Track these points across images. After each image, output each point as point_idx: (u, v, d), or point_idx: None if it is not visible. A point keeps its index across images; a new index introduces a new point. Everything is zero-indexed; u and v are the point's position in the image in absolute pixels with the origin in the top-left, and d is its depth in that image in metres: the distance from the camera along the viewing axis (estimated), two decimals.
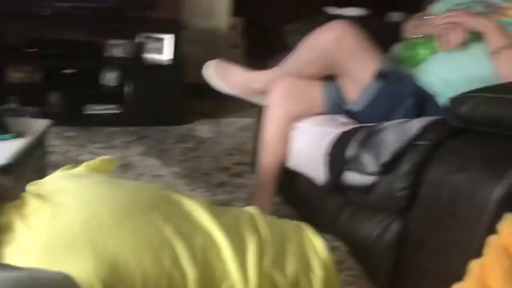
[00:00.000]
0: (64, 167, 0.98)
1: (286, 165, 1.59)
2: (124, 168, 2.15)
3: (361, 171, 1.29)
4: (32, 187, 0.86)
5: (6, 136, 1.21)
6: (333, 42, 1.46)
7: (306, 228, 0.95)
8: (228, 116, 2.89)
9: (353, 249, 1.29)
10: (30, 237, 0.73)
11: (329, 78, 1.58)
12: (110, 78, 2.69)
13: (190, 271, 0.75)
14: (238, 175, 2.18)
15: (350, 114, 1.55)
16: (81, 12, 2.74)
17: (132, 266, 0.71)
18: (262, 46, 2.98)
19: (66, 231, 0.73)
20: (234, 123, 2.80)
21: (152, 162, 2.24)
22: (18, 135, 1.23)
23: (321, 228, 1.45)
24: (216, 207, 0.92)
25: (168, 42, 2.73)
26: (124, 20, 2.79)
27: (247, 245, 0.81)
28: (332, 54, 1.48)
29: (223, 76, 1.66)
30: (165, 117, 2.68)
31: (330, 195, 1.44)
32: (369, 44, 1.49)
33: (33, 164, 1.32)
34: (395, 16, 2.80)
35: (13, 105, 2.51)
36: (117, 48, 2.69)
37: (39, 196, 0.81)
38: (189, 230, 0.80)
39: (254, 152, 1.77)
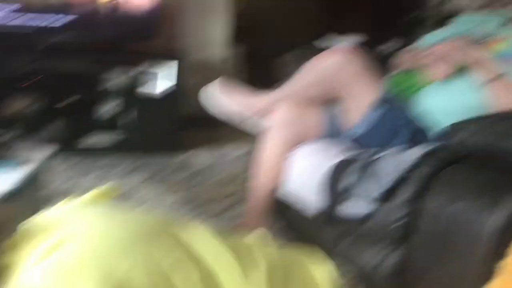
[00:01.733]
0: (70, 196, 0.99)
1: (279, 191, 1.59)
2: (124, 197, 2.16)
3: (358, 201, 1.30)
4: (38, 217, 0.86)
5: (11, 163, 1.23)
6: (335, 66, 1.48)
7: (313, 255, 0.93)
8: (226, 145, 2.91)
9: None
10: (36, 271, 0.74)
11: (329, 103, 1.59)
12: (108, 108, 2.72)
13: None
14: (237, 203, 2.19)
15: (353, 138, 1.56)
16: (78, 45, 2.77)
17: None
18: (261, 76, 3.02)
19: (74, 258, 0.74)
20: (231, 152, 2.82)
21: (151, 191, 2.25)
22: (22, 162, 1.25)
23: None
24: (220, 233, 0.91)
25: (165, 73, 2.77)
26: (121, 52, 2.83)
27: (255, 271, 0.81)
28: (333, 78, 1.50)
29: (223, 97, 1.68)
30: (163, 146, 2.70)
31: (326, 225, 1.44)
32: (370, 70, 1.51)
33: (36, 191, 1.33)
34: (387, 47, 2.85)
35: (15, 134, 2.53)
36: (114, 80, 2.73)
37: (44, 227, 0.81)
38: (188, 263, 0.79)
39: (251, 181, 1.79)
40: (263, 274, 0.80)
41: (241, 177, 2.47)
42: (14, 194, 1.17)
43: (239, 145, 2.90)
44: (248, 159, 2.66)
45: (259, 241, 0.91)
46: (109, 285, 0.70)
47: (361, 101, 1.49)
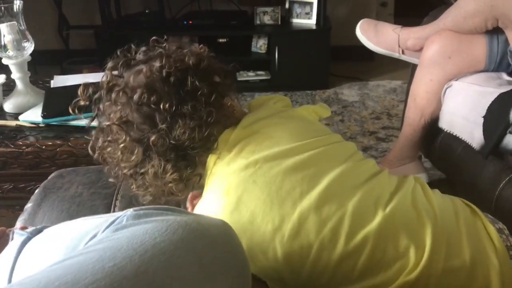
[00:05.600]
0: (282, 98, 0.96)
1: (436, 125, 1.53)
2: None
3: None
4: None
5: None
6: None
7: (477, 211, 0.85)
8: (375, 79, 2.83)
9: None
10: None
11: (495, 30, 1.44)
12: (259, 45, 2.81)
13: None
14: (384, 139, 2.15)
15: None
16: None
17: (312, 235, 0.72)
18: (413, 3, 2.82)
19: (263, 186, 0.76)
20: (382, 86, 2.74)
21: None
22: None
23: (477, 195, 1.39)
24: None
25: (315, 5, 2.74)
26: None
27: (423, 223, 0.75)
28: (499, 5, 1.34)
29: (373, 34, 1.62)
30: (312, 81, 2.73)
31: (487, 161, 1.35)
32: None
33: None
34: None
35: None
36: (266, 15, 2.79)
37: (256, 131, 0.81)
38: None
39: (402, 116, 1.73)
40: (430, 231, 0.75)
41: (392, 112, 2.41)
42: None
43: (391, 78, 2.80)
44: (399, 94, 2.56)
45: (424, 186, 0.84)
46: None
47: None
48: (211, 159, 0.79)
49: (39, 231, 0.68)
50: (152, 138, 0.75)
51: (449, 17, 1.48)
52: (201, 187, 0.81)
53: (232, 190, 0.75)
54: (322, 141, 0.82)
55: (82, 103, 0.81)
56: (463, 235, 0.77)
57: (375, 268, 0.72)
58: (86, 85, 0.81)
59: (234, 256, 0.56)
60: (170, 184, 0.78)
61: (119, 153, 0.78)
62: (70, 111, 0.81)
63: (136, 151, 0.77)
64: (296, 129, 0.84)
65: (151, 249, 0.50)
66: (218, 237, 0.56)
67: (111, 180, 0.83)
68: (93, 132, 0.82)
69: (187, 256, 0.51)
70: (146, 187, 0.80)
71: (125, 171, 0.79)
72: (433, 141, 1.57)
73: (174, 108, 0.75)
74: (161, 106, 0.75)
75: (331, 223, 0.73)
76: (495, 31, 1.43)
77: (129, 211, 0.57)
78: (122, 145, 0.77)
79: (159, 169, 0.77)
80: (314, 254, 0.72)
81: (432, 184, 1.59)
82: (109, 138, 0.79)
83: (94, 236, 0.57)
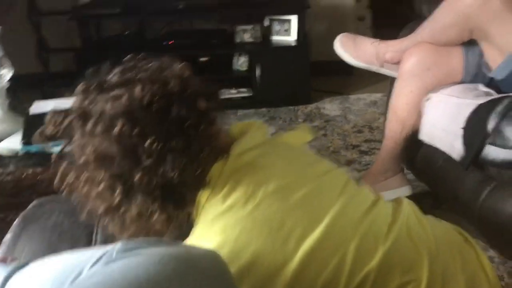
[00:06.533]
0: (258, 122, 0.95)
1: (417, 137, 1.54)
2: None
3: (504, 145, 1.22)
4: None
5: None
6: (475, 4, 1.35)
7: (471, 241, 0.85)
8: (356, 93, 2.86)
9: (497, 230, 1.23)
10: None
11: (470, 42, 1.47)
12: (240, 62, 2.82)
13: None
14: (367, 152, 2.17)
15: (492, 82, 1.44)
16: (211, 2, 2.89)
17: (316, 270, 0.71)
18: (390, 17, 2.87)
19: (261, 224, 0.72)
20: (362, 99, 2.77)
21: None
22: None
23: (460, 205, 1.41)
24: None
25: (294, 22, 2.77)
26: (251, 5, 2.89)
27: (420, 256, 0.75)
28: (473, 18, 1.36)
29: (352, 49, 1.64)
30: (294, 97, 2.75)
31: (468, 172, 1.37)
32: None
33: None
34: None
35: None
36: (246, 33, 2.81)
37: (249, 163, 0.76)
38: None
39: (383, 129, 1.75)
40: (427, 257, 0.75)
41: (373, 125, 2.43)
42: None
43: (371, 91, 2.83)
44: (380, 107, 2.59)
45: (416, 212, 0.84)
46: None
47: (505, 40, 1.34)
48: (202, 194, 0.73)
49: (23, 265, 0.66)
50: (137, 176, 0.68)
51: (426, 30, 1.51)
52: (190, 226, 0.75)
53: (229, 229, 0.70)
54: (315, 172, 0.80)
55: (49, 132, 0.73)
56: (458, 267, 0.77)
57: None
58: (55, 112, 0.73)
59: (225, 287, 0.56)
60: (157, 225, 0.72)
61: (94, 192, 0.70)
62: (33, 140, 0.73)
63: (116, 190, 0.69)
64: (288, 159, 0.80)
65: (146, 282, 0.50)
66: (210, 269, 0.55)
67: (83, 219, 0.74)
68: (62, 163, 0.72)
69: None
70: (126, 227, 0.73)
71: (101, 210, 0.72)
72: (415, 153, 1.59)
73: (160, 142, 0.67)
74: (145, 140, 0.67)
75: (332, 264, 0.71)
76: (471, 43, 1.46)
77: (118, 245, 0.56)
78: (99, 183, 0.70)
79: (144, 210, 0.70)
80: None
81: (415, 196, 1.61)
82: (83, 174, 0.71)
83: (80, 273, 0.56)
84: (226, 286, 0.56)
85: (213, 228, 0.71)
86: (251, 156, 0.76)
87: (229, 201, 0.71)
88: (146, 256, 0.53)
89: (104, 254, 0.56)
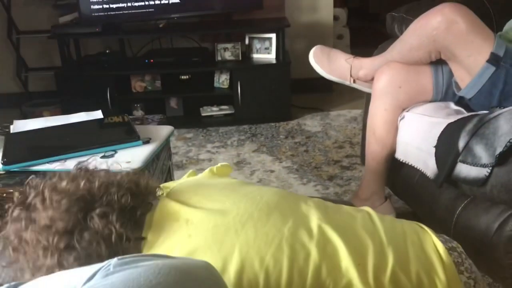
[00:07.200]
0: (190, 172, 1.06)
1: (394, 156, 1.57)
2: (239, 165, 2.27)
3: (475, 163, 1.23)
4: (166, 190, 0.88)
5: (136, 142, 1.36)
6: (441, 27, 1.39)
7: (426, 229, 0.91)
8: (336, 109, 2.90)
9: (471, 245, 1.24)
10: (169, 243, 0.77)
11: (440, 62, 1.51)
12: (222, 80, 2.84)
13: (309, 269, 0.76)
14: (348, 167, 2.19)
15: (463, 100, 1.48)
16: (192, 21, 2.92)
17: (256, 265, 0.75)
18: (367, 34, 2.93)
19: (199, 236, 0.78)
20: (342, 115, 2.81)
21: (264, 158, 2.34)
22: (146, 141, 1.38)
23: (436, 222, 1.43)
24: (331, 205, 0.91)
25: (274, 40, 2.81)
26: (231, 24, 2.93)
27: (366, 246, 0.81)
28: (440, 40, 1.41)
29: (326, 63, 1.67)
30: (275, 114, 2.78)
31: (443, 189, 1.39)
32: (481, 26, 1.40)
33: (160, 166, 1.47)
34: None
35: (139, 113, 2.77)
36: (227, 51, 2.84)
37: (177, 200, 0.84)
38: (304, 234, 0.80)
39: (363, 144, 1.78)
40: (372, 254, 0.81)
41: (353, 140, 2.46)
42: (144, 169, 1.29)
43: (350, 107, 2.87)
44: (359, 123, 2.63)
45: (371, 214, 0.91)
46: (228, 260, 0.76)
47: (472, 61, 1.38)
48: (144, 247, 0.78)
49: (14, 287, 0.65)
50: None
51: (395, 50, 1.55)
52: None
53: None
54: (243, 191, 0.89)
55: None
56: (411, 252, 0.83)
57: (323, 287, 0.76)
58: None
59: None
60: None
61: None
62: None
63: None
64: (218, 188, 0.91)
65: None
66: (208, 279, 0.58)
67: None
68: None
69: None
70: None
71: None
72: (397, 174, 1.61)
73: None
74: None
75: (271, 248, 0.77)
76: (439, 63, 1.51)
77: (113, 260, 0.57)
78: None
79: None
80: (263, 283, 0.75)
81: (399, 217, 1.62)
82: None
83: None
84: None
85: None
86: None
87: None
88: (145, 267, 0.54)
89: (98, 270, 0.56)
